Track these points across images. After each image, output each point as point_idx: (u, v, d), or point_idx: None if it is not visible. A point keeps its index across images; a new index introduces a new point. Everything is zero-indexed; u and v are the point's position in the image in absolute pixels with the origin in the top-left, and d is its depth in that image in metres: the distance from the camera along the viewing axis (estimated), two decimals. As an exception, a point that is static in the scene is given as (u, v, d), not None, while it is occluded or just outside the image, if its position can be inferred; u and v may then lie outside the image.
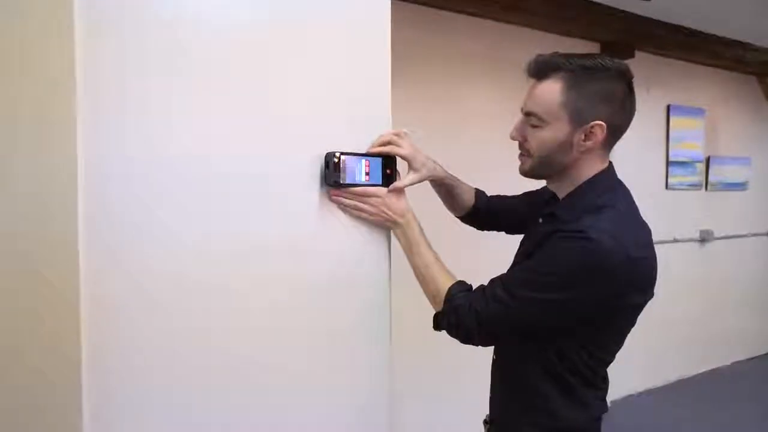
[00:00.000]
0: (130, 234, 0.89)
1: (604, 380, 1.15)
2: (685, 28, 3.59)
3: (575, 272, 0.99)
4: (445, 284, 1.12)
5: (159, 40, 0.90)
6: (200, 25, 0.94)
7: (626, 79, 1.06)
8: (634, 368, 3.51)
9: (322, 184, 1.07)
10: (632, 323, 1.11)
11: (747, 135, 4.56)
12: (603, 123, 1.03)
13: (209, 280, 0.95)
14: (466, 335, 1.08)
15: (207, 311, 0.95)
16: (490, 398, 1.26)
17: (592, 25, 3.30)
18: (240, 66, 0.97)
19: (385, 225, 1.14)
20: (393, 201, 1.13)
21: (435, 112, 2.83)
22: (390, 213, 1.12)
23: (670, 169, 4.01)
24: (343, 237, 1.11)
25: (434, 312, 1.14)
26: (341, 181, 1.06)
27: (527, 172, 1.12)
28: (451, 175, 1.35)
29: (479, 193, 1.44)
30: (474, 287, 1.12)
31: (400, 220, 1.13)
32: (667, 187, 4.01)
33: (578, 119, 1.03)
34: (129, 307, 0.89)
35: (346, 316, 1.11)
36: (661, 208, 3.78)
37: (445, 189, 1.36)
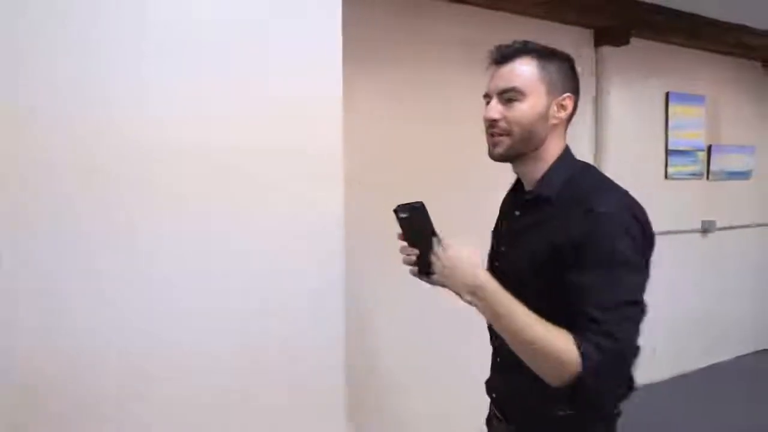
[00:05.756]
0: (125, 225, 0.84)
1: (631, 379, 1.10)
2: (685, 13, 3.47)
3: (628, 242, 1.00)
4: (566, 345, 0.94)
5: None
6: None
7: (572, 63, 1.17)
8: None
9: None
10: None
11: (750, 123, 4.43)
12: (573, 95, 1.14)
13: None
14: (627, 365, 1.01)
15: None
16: (497, 397, 1.23)
17: (585, 11, 3.19)
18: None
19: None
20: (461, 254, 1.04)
21: (413, 101, 2.75)
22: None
23: (669, 158, 3.90)
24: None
25: (568, 387, 0.95)
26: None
27: (504, 153, 1.13)
28: None
29: None
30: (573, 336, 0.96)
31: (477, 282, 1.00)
32: (666, 176, 3.90)
33: (553, 91, 1.12)
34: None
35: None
36: (660, 198, 3.67)
37: None
